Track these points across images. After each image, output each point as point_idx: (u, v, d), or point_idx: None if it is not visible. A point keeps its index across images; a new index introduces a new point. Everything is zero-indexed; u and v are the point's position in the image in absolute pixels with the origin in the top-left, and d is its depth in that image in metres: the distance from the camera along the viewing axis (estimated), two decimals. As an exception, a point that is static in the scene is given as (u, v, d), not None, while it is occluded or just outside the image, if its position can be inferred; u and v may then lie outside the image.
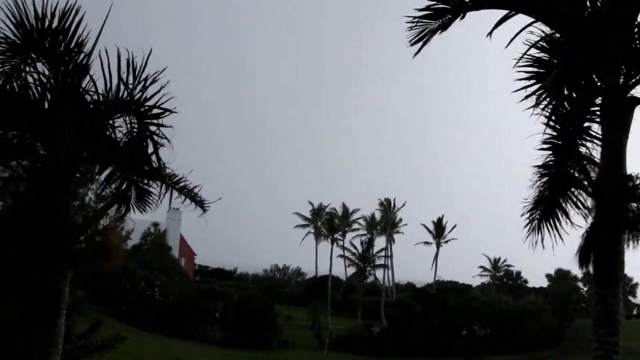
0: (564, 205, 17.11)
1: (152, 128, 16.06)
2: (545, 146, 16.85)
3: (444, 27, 16.68)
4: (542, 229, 17.12)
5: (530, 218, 17.31)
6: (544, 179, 17.03)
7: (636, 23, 16.37)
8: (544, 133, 16.84)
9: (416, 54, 16.89)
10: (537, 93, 16.42)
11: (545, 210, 17.08)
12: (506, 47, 16.28)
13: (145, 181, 17.43)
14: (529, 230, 17.29)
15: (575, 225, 17.17)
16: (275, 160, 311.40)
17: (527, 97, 16.63)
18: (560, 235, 17.11)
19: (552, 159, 16.89)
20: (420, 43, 16.90)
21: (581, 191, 17.34)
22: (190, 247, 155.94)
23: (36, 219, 16.92)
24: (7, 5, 16.37)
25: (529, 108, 16.65)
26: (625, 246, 16.67)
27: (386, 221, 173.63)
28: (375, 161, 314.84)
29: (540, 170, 17.02)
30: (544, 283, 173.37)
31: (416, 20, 16.77)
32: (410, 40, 16.91)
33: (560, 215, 17.07)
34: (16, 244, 17.21)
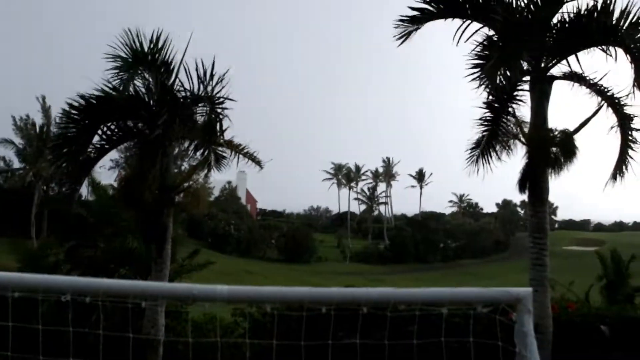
0: (496, 146, 17.14)
1: (221, 113, 16.15)
2: (485, 106, 16.89)
3: (418, 28, 16.86)
4: (478, 163, 17.16)
5: (471, 154, 17.33)
6: (483, 128, 17.07)
7: (552, 24, 16.33)
8: (486, 99, 16.94)
9: (400, 44, 17.05)
10: (481, 76, 16.42)
11: (482, 149, 17.12)
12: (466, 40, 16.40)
13: (220, 149, 17.51)
14: (468, 163, 17.34)
15: (503, 161, 17.28)
16: (306, 125, 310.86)
17: (474, 78, 16.62)
18: (491, 168, 17.21)
19: (490, 114, 16.92)
20: (402, 39, 17.05)
21: (510, 138, 17.40)
22: (253, 196, 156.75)
23: (147, 179, 17.03)
24: (124, 32, 16.55)
25: (478, 84, 16.66)
26: (549, 178, 16.74)
27: (386, 173, 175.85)
28: (378, 126, 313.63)
29: (481, 121, 17.04)
30: (495, 209, 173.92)
31: (399, 22, 16.89)
32: (396, 37, 17.04)
33: (491, 154, 17.10)
34: (136, 197, 17.33)
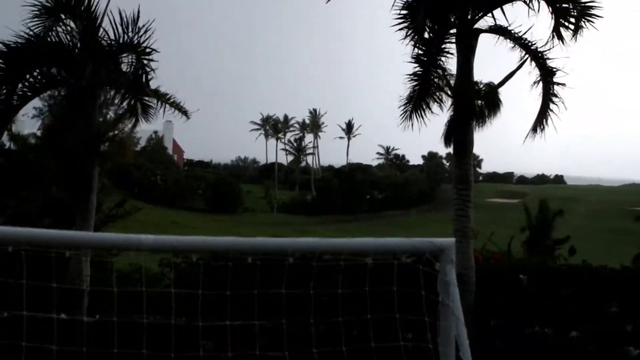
0: (427, 100, 17.22)
1: (146, 62, 15.97)
2: (414, 60, 16.92)
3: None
4: (412, 118, 17.24)
5: (404, 110, 17.40)
6: (414, 83, 17.11)
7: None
8: (414, 53, 16.97)
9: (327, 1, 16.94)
10: (409, 27, 16.48)
11: (414, 104, 17.19)
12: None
13: (146, 99, 17.30)
14: (402, 119, 17.40)
15: (435, 114, 17.37)
16: (233, 77, 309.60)
17: (401, 28, 16.68)
18: (425, 123, 17.31)
19: (420, 69, 16.96)
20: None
21: (441, 92, 17.45)
22: (180, 146, 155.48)
23: (72, 128, 16.80)
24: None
25: (405, 36, 16.72)
26: (474, 130, 16.93)
27: (313, 124, 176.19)
28: (307, 77, 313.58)
29: (411, 76, 17.07)
30: (420, 161, 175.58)
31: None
32: None
33: (424, 108, 17.20)
34: (60, 146, 17.09)
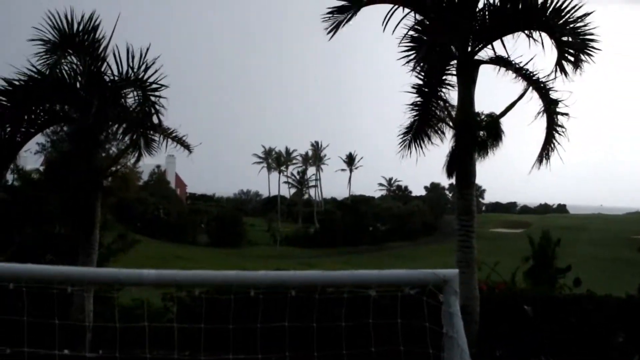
0: (427, 130, 17.31)
1: (152, 98, 16.01)
2: (414, 91, 16.99)
3: (349, 19, 16.60)
4: (411, 147, 17.34)
5: (403, 139, 17.48)
6: (414, 113, 17.19)
7: (477, 9, 16.56)
8: (415, 84, 17.06)
9: (331, 38, 16.81)
10: (413, 59, 16.56)
11: (414, 134, 17.27)
12: (392, 32, 16.46)
13: (150, 133, 17.34)
14: (401, 148, 17.48)
15: (435, 144, 17.47)
16: (235, 110, 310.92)
17: (407, 62, 16.78)
18: (423, 153, 17.43)
19: (420, 100, 17.03)
20: (333, 31, 16.79)
21: (440, 123, 17.53)
22: (183, 180, 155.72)
23: (75, 163, 16.84)
24: (47, 14, 16.24)
25: (409, 69, 16.82)
26: (476, 161, 16.96)
27: (315, 157, 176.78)
28: (308, 110, 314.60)
29: (412, 106, 17.15)
30: (423, 192, 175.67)
31: (328, 15, 16.69)
32: (326, 29, 16.80)
33: (423, 138, 17.29)
34: (63, 181, 17.13)
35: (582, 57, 16.10)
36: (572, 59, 16.14)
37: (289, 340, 7.30)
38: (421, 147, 17.45)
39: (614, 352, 15.99)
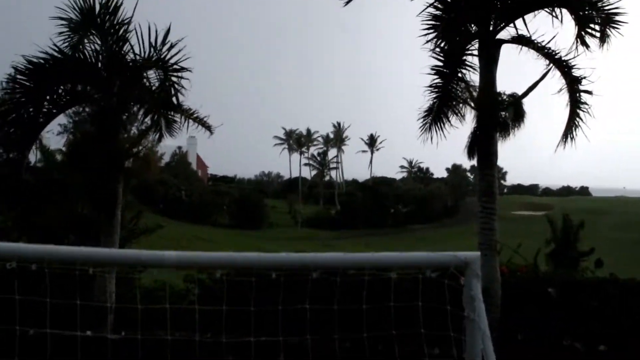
0: (447, 112, 17.18)
1: (174, 78, 15.98)
2: (434, 72, 16.88)
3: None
4: (431, 130, 17.21)
5: (424, 122, 17.36)
6: (434, 95, 17.08)
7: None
8: (435, 66, 16.94)
9: (346, 4, 17.02)
10: (433, 39, 16.48)
11: (434, 116, 17.16)
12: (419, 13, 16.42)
13: (171, 114, 17.34)
14: (422, 131, 17.36)
15: (455, 127, 17.33)
16: (257, 91, 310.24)
17: (427, 42, 16.70)
18: (444, 135, 17.30)
19: (440, 81, 16.91)
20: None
21: (461, 104, 17.40)
22: (204, 161, 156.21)
23: (97, 145, 16.88)
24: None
25: (429, 48, 16.76)
26: (498, 142, 16.87)
27: (337, 138, 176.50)
28: (330, 91, 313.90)
29: (431, 88, 17.03)
30: (444, 174, 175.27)
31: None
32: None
33: (444, 120, 17.16)
34: (85, 162, 17.18)
35: (608, 31, 15.96)
36: (597, 34, 15.99)
37: (310, 323, 7.30)
38: (442, 130, 17.31)
39: (637, 335, 15.92)
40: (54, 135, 24.23)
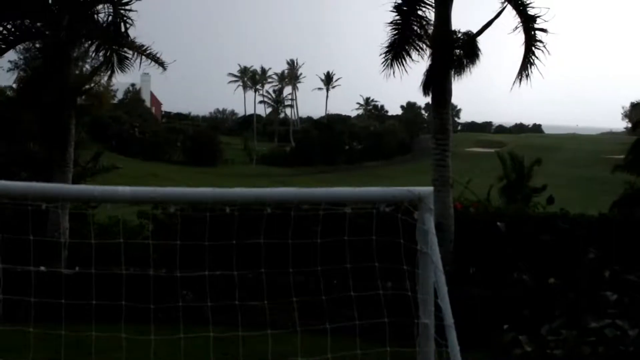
0: (408, 49, 17.21)
1: (124, 12, 15.75)
2: (394, 9, 16.85)
3: None
4: (393, 66, 17.26)
5: (385, 58, 17.40)
6: (394, 32, 17.09)
7: None
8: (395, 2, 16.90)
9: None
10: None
11: (395, 53, 17.17)
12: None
13: (123, 50, 17.12)
14: (384, 66, 17.40)
15: (416, 61, 17.38)
16: (211, 27, 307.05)
17: None
18: (405, 70, 17.35)
19: (399, 19, 16.91)
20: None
21: (420, 41, 17.39)
22: (158, 98, 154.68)
23: (48, 81, 16.65)
24: None
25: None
26: (452, 80, 16.93)
27: (291, 76, 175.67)
28: (284, 26, 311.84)
29: (392, 25, 17.03)
30: (399, 112, 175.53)
31: None
32: None
33: (404, 56, 17.19)
34: (36, 99, 16.97)
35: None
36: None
37: (264, 257, 7.34)
38: (402, 65, 17.40)
39: (584, 269, 16.23)
40: (4, 72, 23.75)
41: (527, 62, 17.24)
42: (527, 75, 17.32)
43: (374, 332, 6.32)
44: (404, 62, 17.29)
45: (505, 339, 11.91)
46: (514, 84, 17.47)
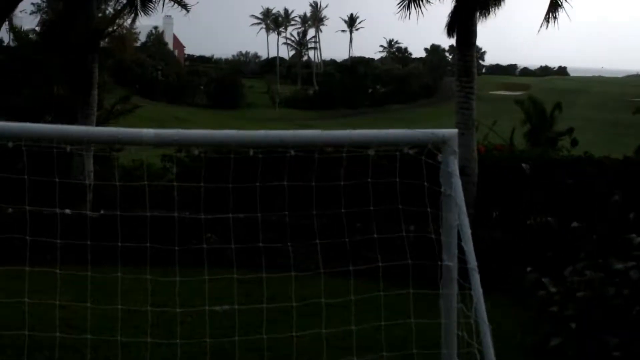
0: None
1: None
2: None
3: None
4: (410, 7, 17.06)
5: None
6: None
7: None
8: None
9: None
10: None
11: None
12: None
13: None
14: (400, 8, 17.23)
15: (433, 2, 17.17)
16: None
17: None
18: (422, 13, 17.13)
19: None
20: None
21: None
22: (181, 41, 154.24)
23: (71, 24, 16.63)
24: None
25: None
26: (477, 21, 16.73)
27: (314, 17, 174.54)
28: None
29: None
30: (423, 54, 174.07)
31: None
32: None
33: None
34: (60, 42, 16.96)
35: None
36: None
37: (288, 200, 7.35)
38: (420, 7, 17.17)
39: (609, 211, 16.17)
40: (27, 15, 23.76)
41: (555, 4, 17.00)
42: (554, 18, 17.10)
43: (397, 275, 6.33)
44: (421, 4, 17.04)
45: (528, 281, 11.91)
46: (541, 26, 17.28)
